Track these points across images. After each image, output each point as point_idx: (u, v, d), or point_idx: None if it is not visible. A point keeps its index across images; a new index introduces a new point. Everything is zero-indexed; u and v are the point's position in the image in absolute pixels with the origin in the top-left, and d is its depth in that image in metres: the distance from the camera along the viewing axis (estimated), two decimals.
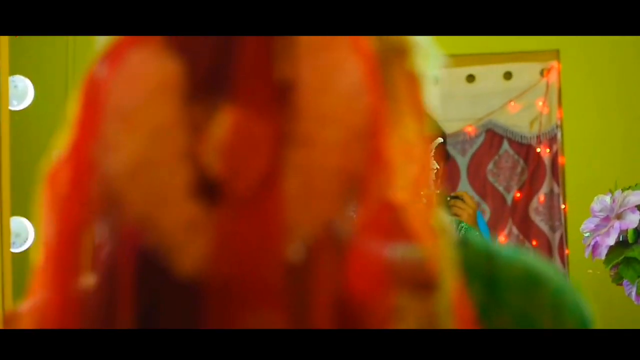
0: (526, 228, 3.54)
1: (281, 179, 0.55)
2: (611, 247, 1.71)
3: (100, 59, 0.59)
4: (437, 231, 0.57)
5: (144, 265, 0.56)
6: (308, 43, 0.56)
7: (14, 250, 1.77)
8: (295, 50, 0.55)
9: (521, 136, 3.58)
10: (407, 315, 0.56)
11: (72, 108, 0.60)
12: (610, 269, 1.75)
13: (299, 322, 0.55)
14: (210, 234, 0.55)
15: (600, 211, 1.73)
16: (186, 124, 0.55)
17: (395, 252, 0.57)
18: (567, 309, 0.63)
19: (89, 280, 0.59)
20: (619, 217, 1.73)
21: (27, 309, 0.63)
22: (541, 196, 3.54)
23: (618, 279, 1.77)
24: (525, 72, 3.58)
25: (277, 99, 0.55)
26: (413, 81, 0.60)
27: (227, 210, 0.55)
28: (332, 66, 0.56)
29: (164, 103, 0.55)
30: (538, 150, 3.55)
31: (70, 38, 3.76)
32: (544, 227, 3.54)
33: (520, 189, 3.56)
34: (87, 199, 0.58)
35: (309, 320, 0.55)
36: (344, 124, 0.56)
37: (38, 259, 0.59)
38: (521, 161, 3.58)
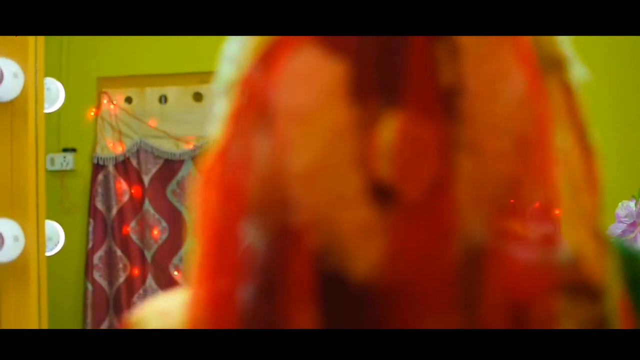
0: None
1: (450, 185, 0.55)
2: None
3: (256, 60, 0.59)
4: (601, 237, 0.58)
5: (319, 268, 0.56)
6: (472, 50, 0.56)
7: (46, 253, 1.76)
8: (460, 57, 0.56)
9: None
10: (569, 319, 0.57)
11: (224, 107, 0.60)
12: None
13: (471, 325, 0.56)
14: (383, 238, 0.56)
15: (626, 217, 1.76)
16: (356, 127, 0.55)
17: (559, 257, 0.58)
18: None
19: (247, 278, 0.59)
20: None
21: (179, 304, 0.63)
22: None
23: None
24: None
25: (443, 104, 0.56)
26: (570, 93, 0.61)
27: (398, 214, 0.55)
28: (498, 74, 0.57)
29: (337, 105, 0.55)
30: None
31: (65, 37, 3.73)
32: None
33: None
34: (241, 196, 0.58)
35: (481, 323, 0.56)
36: (511, 132, 0.56)
37: (194, 255, 0.59)
38: None
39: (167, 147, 3.67)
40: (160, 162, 3.68)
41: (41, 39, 1.69)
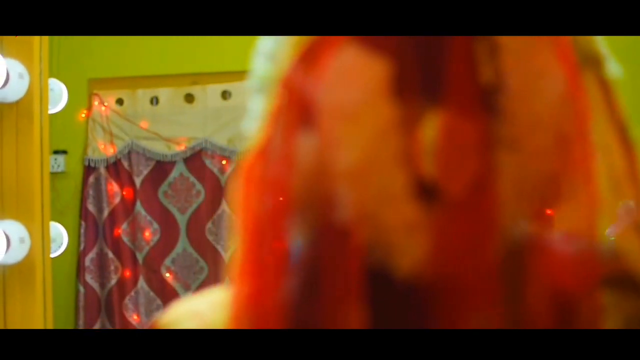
0: None
1: (492, 182, 0.56)
2: None
3: (297, 59, 0.59)
4: None
5: (365, 265, 0.57)
6: (512, 48, 0.57)
7: (51, 255, 1.75)
8: (500, 55, 0.57)
9: None
10: (616, 312, 0.58)
11: (264, 105, 0.61)
12: None
13: (517, 320, 0.57)
14: (427, 234, 0.56)
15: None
16: (399, 125, 0.56)
17: (600, 251, 0.59)
18: None
19: (290, 275, 0.59)
20: None
21: (211, 304, 0.64)
22: None
23: None
24: None
25: (484, 102, 0.56)
26: (608, 89, 0.62)
27: (441, 211, 0.56)
28: (538, 72, 0.57)
29: (381, 104, 0.56)
30: None
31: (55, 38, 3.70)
32: None
33: None
34: (283, 193, 0.58)
35: (526, 317, 0.57)
36: (551, 129, 0.57)
37: (235, 252, 0.59)
38: None
39: (159, 148, 3.65)
40: (152, 163, 3.67)
41: (45, 39, 1.68)
